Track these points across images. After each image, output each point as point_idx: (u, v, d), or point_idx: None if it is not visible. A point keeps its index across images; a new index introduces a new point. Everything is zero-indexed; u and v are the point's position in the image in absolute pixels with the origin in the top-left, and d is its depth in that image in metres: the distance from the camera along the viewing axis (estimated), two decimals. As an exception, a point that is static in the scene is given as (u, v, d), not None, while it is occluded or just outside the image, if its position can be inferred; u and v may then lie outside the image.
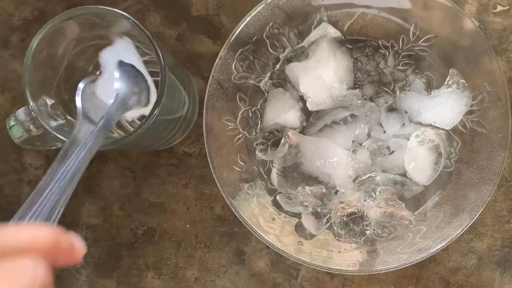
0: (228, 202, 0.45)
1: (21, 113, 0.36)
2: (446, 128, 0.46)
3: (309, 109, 0.46)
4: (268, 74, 0.48)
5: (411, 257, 0.44)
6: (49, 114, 0.36)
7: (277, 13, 0.46)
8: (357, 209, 0.46)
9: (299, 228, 0.47)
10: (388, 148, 0.47)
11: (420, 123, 0.46)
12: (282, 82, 0.48)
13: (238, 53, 0.47)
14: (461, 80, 0.45)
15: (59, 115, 0.36)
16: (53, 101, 0.36)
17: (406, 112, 0.47)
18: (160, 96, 0.37)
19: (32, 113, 0.35)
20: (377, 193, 0.46)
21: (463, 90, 0.45)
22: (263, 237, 0.45)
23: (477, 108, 0.46)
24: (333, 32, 0.46)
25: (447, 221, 0.45)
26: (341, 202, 0.46)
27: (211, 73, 0.46)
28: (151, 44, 0.36)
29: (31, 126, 0.36)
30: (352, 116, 0.47)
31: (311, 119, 0.48)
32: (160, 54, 0.36)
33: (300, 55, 0.47)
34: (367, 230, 0.46)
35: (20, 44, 0.51)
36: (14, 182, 0.51)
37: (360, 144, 0.47)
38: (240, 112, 0.48)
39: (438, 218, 0.46)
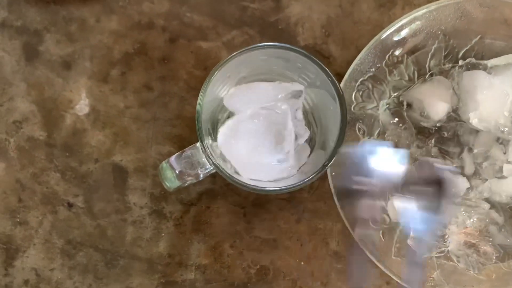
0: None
1: (173, 161, 0.34)
2: None
3: (467, 121, 0.44)
4: (385, 101, 0.47)
5: None
6: (215, 153, 0.34)
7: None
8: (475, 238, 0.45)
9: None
10: (501, 170, 0.45)
11: None
12: (401, 109, 0.46)
13: (358, 83, 0.45)
14: None
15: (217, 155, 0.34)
16: (210, 141, 0.35)
17: None
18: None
19: (208, 150, 0.32)
20: (472, 219, 0.45)
21: None
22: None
23: None
24: None
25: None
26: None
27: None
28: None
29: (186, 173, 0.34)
30: None
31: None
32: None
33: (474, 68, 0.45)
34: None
35: (121, 78, 0.49)
36: (117, 222, 0.49)
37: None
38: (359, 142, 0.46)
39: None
